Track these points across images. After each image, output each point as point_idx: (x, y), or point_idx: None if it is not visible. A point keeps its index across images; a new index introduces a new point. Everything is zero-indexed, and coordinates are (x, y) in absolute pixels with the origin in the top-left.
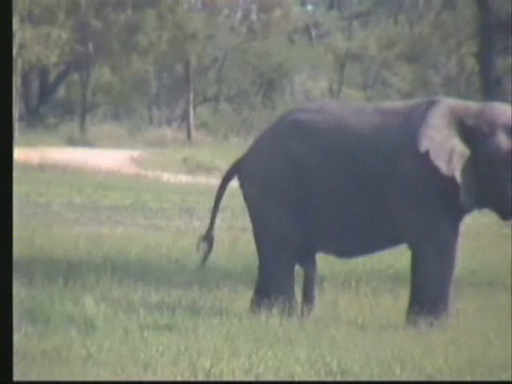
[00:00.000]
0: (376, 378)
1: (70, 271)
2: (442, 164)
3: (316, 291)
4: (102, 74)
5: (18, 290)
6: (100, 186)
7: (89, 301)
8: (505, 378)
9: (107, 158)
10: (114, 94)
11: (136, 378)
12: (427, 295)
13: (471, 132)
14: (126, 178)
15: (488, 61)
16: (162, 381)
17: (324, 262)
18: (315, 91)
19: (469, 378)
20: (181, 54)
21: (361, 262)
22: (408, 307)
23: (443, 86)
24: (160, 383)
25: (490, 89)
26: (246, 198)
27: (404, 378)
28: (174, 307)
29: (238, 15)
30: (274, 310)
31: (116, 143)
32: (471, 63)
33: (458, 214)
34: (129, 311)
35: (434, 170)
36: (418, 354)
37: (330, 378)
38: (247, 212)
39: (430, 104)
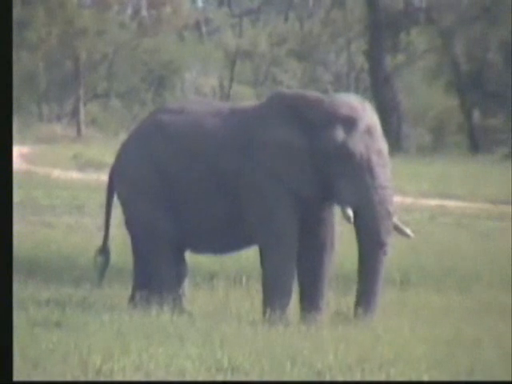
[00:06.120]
0: (266, 375)
1: None
2: (265, 163)
3: (186, 286)
4: None
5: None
6: None
7: None
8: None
9: None
10: None
11: (25, 376)
12: (270, 290)
13: (309, 123)
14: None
15: (377, 59)
16: (157, 381)
17: (215, 259)
18: (206, 88)
19: (358, 375)
20: (70, 50)
21: (251, 259)
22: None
23: (333, 84)
24: (155, 383)
25: (379, 86)
26: (120, 200)
27: (294, 374)
28: (64, 304)
29: (129, 11)
30: (165, 307)
31: None
32: (361, 61)
33: (312, 206)
34: (18, 308)
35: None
36: (308, 350)
37: (220, 375)
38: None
39: (268, 101)
